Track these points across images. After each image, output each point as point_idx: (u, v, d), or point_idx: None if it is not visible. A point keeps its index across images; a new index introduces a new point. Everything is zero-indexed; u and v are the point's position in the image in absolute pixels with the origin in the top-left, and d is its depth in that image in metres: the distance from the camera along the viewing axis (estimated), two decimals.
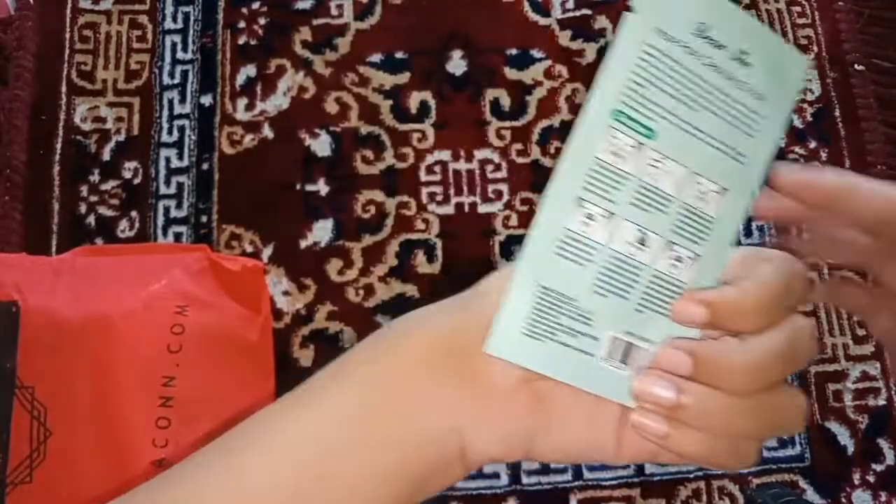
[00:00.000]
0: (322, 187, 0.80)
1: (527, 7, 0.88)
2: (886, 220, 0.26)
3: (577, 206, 0.25)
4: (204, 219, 0.79)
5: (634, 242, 0.25)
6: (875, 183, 0.28)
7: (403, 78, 0.84)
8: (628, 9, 0.24)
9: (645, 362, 0.25)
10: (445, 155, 0.82)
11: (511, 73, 0.85)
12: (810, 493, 0.75)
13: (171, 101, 0.82)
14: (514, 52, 0.86)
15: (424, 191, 0.81)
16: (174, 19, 0.85)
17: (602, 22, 0.87)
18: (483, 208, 0.81)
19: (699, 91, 0.25)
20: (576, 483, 0.74)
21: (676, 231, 0.26)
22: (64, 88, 0.83)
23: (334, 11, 0.86)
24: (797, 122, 0.86)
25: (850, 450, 0.76)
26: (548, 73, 0.85)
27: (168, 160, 0.81)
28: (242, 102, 0.83)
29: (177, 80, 0.83)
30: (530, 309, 0.25)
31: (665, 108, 0.25)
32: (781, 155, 0.84)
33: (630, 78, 0.25)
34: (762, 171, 0.26)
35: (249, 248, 0.78)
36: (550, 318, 0.25)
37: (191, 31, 0.85)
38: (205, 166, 0.81)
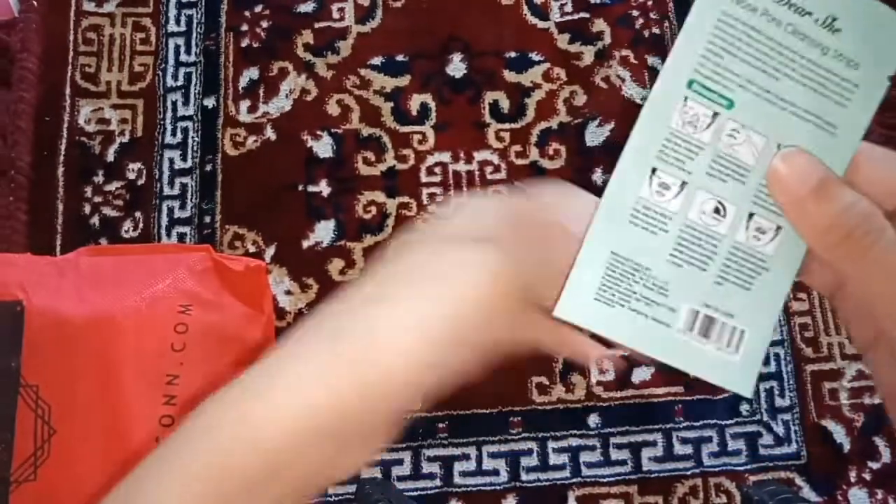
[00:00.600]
0: (324, 188, 0.81)
1: (525, 10, 0.88)
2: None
3: (651, 174, 0.25)
4: (207, 219, 0.80)
5: (710, 212, 0.25)
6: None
7: (404, 80, 0.85)
8: None
9: (727, 337, 0.25)
10: (445, 156, 0.83)
11: (510, 76, 0.86)
12: (807, 491, 0.76)
13: (174, 103, 0.83)
14: (512, 54, 0.87)
15: (425, 191, 0.82)
16: (177, 22, 0.86)
17: (599, 25, 0.88)
18: None
19: (781, 59, 0.24)
20: (574, 480, 0.74)
21: (757, 202, 0.25)
22: (68, 90, 0.83)
23: (336, 15, 0.87)
24: None
25: (847, 448, 0.77)
26: (546, 76, 0.86)
27: (172, 161, 0.81)
28: (245, 104, 0.83)
29: (180, 83, 0.84)
30: (602, 274, 0.25)
31: (744, 77, 0.24)
32: None
33: (706, 48, 0.24)
34: (856, 141, 0.25)
35: (252, 249, 0.79)
36: (623, 285, 0.25)
37: (194, 34, 0.86)
38: (208, 167, 0.81)
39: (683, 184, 0.25)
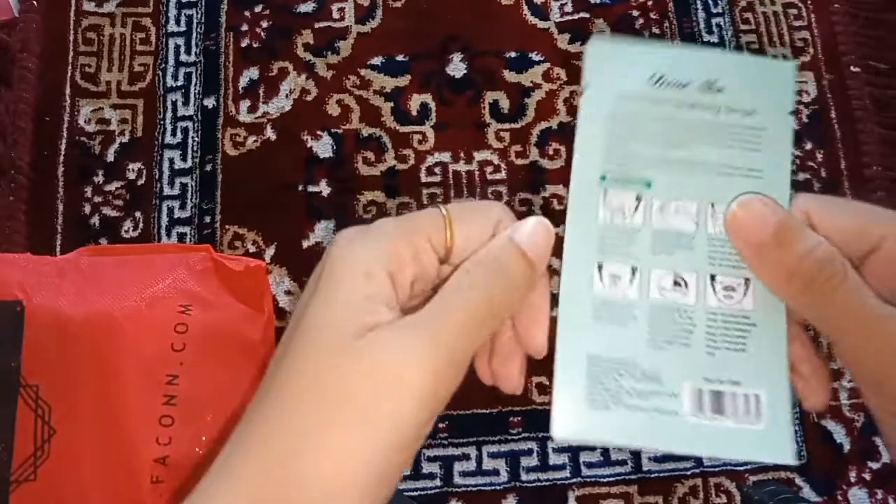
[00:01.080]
0: (324, 188, 0.81)
1: (525, 11, 0.88)
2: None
3: (598, 270, 0.25)
4: (207, 219, 0.80)
5: (671, 288, 0.25)
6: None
7: (404, 80, 0.85)
8: (585, 86, 0.25)
9: (742, 407, 0.24)
10: (445, 156, 0.83)
11: (510, 76, 0.86)
12: (807, 491, 0.76)
13: (174, 103, 0.83)
14: (513, 54, 0.87)
15: (425, 192, 0.82)
16: (177, 22, 0.86)
17: (600, 25, 0.88)
18: None
19: (681, 130, 0.25)
20: (574, 480, 0.74)
21: (713, 263, 0.25)
22: (68, 90, 0.83)
23: (336, 15, 0.87)
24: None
25: (847, 448, 0.77)
26: (546, 76, 0.86)
27: (172, 161, 0.81)
28: (245, 104, 0.83)
29: (180, 83, 0.84)
30: (585, 380, 0.24)
31: (652, 157, 0.25)
32: None
33: (605, 143, 0.25)
34: (787, 177, 0.25)
35: (252, 249, 0.79)
36: (612, 385, 0.24)
37: (194, 34, 0.86)
38: (208, 167, 0.81)
39: (634, 269, 0.25)
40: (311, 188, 0.81)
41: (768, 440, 0.24)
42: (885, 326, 0.23)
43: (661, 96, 0.25)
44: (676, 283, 0.25)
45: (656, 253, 0.25)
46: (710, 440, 0.23)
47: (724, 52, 0.27)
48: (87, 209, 0.80)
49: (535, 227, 0.24)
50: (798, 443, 0.77)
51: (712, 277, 0.25)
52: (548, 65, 0.86)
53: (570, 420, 0.23)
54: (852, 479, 0.76)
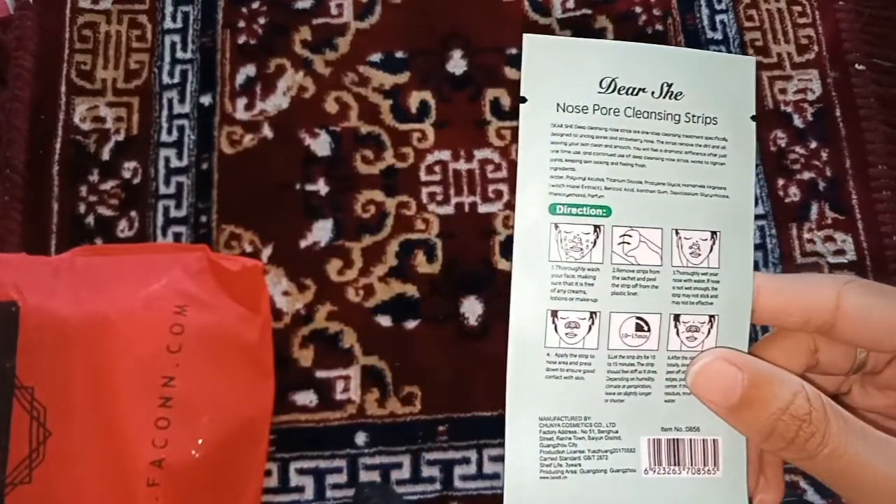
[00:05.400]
0: (322, 187, 0.80)
1: (527, 6, 0.87)
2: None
3: (552, 318, 0.22)
4: (203, 219, 0.79)
5: (634, 333, 0.22)
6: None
7: (403, 77, 0.84)
8: (521, 99, 0.22)
9: (701, 455, 0.22)
10: (445, 155, 0.82)
11: (511, 73, 0.85)
12: (811, 494, 0.75)
13: (170, 101, 0.82)
14: (513, 51, 0.86)
15: (424, 190, 0.81)
16: (174, 19, 0.85)
17: (602, 21, 0.87)
18: (483, 208, 0.81)
19: (637, 144, 0.22)
20: None
21: (678, 301, 0.22)
22: (63, 88, 0.82)
23: (334, 11, 0.86)
24: (797, 122, 0.85)
25: None
26: None
27: (167, 160, 0.81)
28: (242, 102, 0.83)
29: (176, 80, 0.83)
30: (538, 448, 0.21)
31: (607, 178, 0.22)
32: (782, 154, 0.84)
33: (551, 165, 0.22)
34: (751, 195, 0.23)
35: (249, 248, 0.78)
36: (567, 450, 0.22)
37: (190, 31, 0.85)
38: (204, 166, 0.81)
39: (593, 314, 0.22)
40: (308, 187, 0.80)
41: (724, 488, 0.22)
42: (877, 482, 0.21)
43: (613, 104, 0.22)
44: (639, 328, 0.22)
45: (619, 294, 0.22)
46: (667, 495, 0.22)
47: (678, 50, 0.23)
48: (83, 208, 0.79)
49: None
50: None
51: (676, 318, 0.22)
52: None
53: (523, 492, 0.21)
54: None
